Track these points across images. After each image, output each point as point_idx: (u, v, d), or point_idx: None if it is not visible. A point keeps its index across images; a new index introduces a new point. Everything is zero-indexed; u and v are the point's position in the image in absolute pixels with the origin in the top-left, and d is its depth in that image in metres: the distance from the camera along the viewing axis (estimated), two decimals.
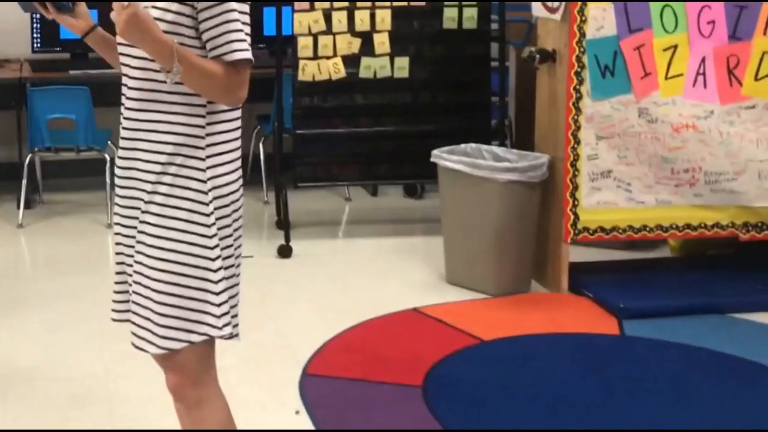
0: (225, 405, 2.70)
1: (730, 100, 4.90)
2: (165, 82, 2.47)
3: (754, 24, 4.88)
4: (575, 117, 4.82)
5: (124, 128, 2.60)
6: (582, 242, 4.94)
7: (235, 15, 2.49)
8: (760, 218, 4.98)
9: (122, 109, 2.61)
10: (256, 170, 6.69)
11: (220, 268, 2.54)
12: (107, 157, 6.03)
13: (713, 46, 4.87)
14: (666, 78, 4.86)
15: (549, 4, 4.94)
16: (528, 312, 4.70)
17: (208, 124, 2.55)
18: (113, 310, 2.72)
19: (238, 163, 2.63)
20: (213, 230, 2.53)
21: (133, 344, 2.61)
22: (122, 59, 2.59)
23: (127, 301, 2.65)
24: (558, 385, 3.93)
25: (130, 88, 2.57)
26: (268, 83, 6.05)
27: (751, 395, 3.87)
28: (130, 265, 2.61)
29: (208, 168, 2.54)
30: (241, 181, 2.64)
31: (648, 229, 4.92)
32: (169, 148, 2.52)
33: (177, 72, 2.41)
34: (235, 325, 2.63)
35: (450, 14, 5.92)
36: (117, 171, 2.63)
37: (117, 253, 2.68)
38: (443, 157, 5.05)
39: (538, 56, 5.02)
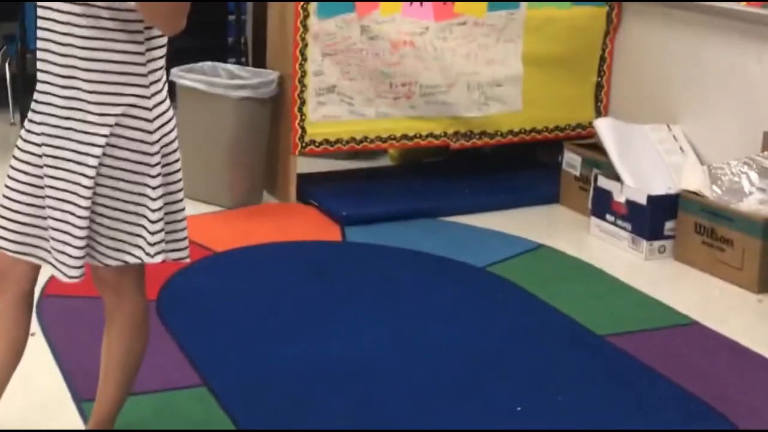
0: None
1: (444, 17, 5.06)
2: (103, 17, 2.40)
3: None
4: (302, 35, 4.88)
5: (55, 63, 2.48)
6: (309, 154, 5.04)
7: None
8: (468, 127, 5.20)
9: (46, 45, 2.49)
10: (3, 91, 6.47)
11: (158, 197, 2.54)
12: None
13: None
14: None
15: None
16: (259, 222, 4.79)
17: (147, 50, 2.48)
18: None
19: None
20: (156, 158, 2.51)
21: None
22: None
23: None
24: (285, 290, 4.04)
25: (61, 22, 2.45)
26: (15, 2, 5.83)
27: (454, 290, 4.11)
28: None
29: (155, 105, 2.50)
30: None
31: (369, 140, 5.07)
32: (116, 87, 2.46)
33: None
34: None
35: None
36: (50, 108, 2.52)
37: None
38: (181, 76, 5.03)
39: None
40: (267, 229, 4.69)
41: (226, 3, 6.01)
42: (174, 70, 5.06)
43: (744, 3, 4.60)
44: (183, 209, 2.68)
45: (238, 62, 5.87)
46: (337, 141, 5.03)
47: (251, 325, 3.75)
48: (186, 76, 5.00)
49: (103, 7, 2.43)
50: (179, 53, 5.65)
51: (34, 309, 3.74)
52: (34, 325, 3.68)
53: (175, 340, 3.59)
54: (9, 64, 6.37)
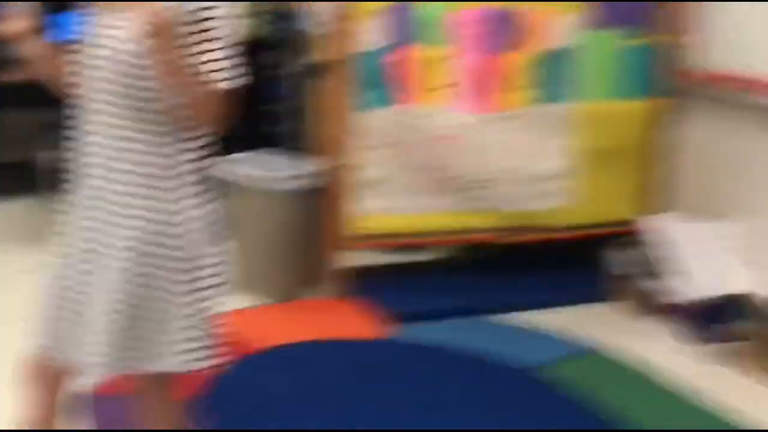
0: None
1: (488, 110, 5.02)
2: (143, 112, 2.40)
3: (510, 38, 5.00)
4: (346, 128, 4.84)
5: (89, 155, 2.49)
6: (358, 248, 4.97)
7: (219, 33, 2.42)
8: (515, 222, 5.14)
9: (84, 139, 2.50)
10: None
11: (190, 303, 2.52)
12: None
13: (473, 59, 4.97)
14: (429, 90, 4.93)
15: (322, 17, 4.95)
16: (306, 318, 4.72)
17: (180, 150, 2.49)
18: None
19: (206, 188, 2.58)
20: (185, 264, 2.50)
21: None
22: (91, 83, 2.46)
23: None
24: (331, 390, 3.96)
25: (105, 123, 2.46)
26: None
27: (503, 393, 4.01)
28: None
29: (179, 199, 2.49)
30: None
31: (416, 234, 5.02)
32: (143, 179, 2.45)
33: (179, 77, 2.32)
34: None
35: None
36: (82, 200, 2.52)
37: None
38: (228, 166, 4.98)
39: (311, 68, 5.04)
40: (314, 325, 4.62)
41: (277, 92, 5.97)
42: (221, 160, 5.00)
43: None
44: (217, 313, 2.62)
45: (288, 152, 5.83)
46: (386, 235, 4.97)
47: (294, 426, 3.67)
48: (233, 166, 4.97)
49: (138, 98, 2.42)
50: (228, 142, 5.62)
51: (85, 409, 3.69)
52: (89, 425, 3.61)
53: None
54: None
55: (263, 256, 4.89)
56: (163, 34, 2.27)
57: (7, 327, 3.18)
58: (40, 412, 2.71)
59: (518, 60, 5.04)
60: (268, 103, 6.01)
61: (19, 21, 2.52)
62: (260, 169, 5.01)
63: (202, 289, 2.57)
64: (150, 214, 2.47)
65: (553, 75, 5.10)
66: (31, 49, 2.58)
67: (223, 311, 2.66)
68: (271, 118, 6.04)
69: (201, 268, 2.55)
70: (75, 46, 2.50)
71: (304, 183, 4.87)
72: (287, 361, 4.26)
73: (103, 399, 3.80)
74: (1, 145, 6.67)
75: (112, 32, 2.43)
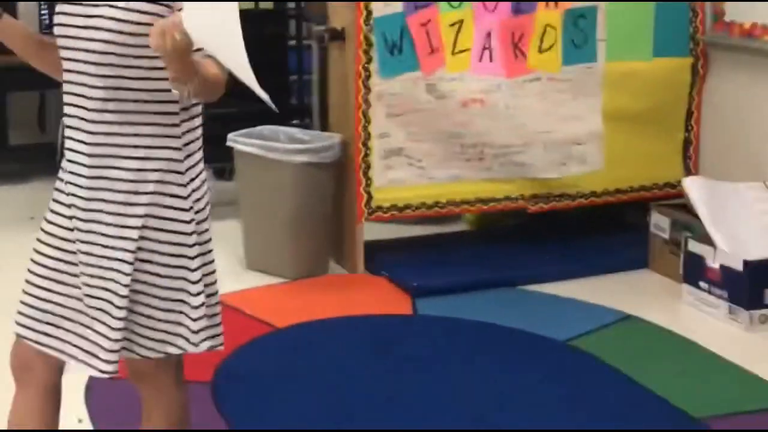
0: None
1: (516, 73, 4.80)
2: (134, 89, 2.26)
3: None
4: (365, 96, 4.65)
5: (83, 141, 2.31)
6: (377, 221, 4.78)
7: None
8: (547, 189, 4.91)
9: (72, 121, 2.33)
10: None
11: (198, 281, 2.37)
12: None
13: (498, 20, 4.76)
14: (453, 53, 4.72)
15: None
16: (324, 295, 4.54)
17: (183, 121, 2.33)
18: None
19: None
20: (194, 238, 2.35)
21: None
22: (75, 62, 2.29)
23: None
24: (348, 370, 3.78)
25: (90, 98, 2.29)
26: None
27: (535, 368, 3.81)
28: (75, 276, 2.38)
29: (189, 181, 2.34)
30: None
31: (440, 204, 4.80)
32: (146, 163, 2.30)
33: (191, 88, 2.13)
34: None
35: None
36: (76, 189, 2.35)
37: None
38: (238, 141, 4.83)
39: (326, 35, 4.86)
40: (333, 302, 4.43)
41: (287, 65, 5.83)
42: (231, 135, 4.86)
43: None
44: (217, 291, 2.49)
45: (302, 125, 5.66)
46: (407, 206, 4.76)
47: (312, 409, 3.48)
48: (243, 141, 4.79)
49: (130, 85, 2.28)
50: (241, 117, 5.50)
51: (83, 393, 3.56)
52: (83, 412, 3.46)
53: (230, 425, 3.35)
54: None
55: (276, 231, 4.70)
56: (173, 47, 2.06)
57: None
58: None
59: (547, 19, 4.81)
60: (283, 74, 5.85)
61: None
62: (271, 141, 4.82)
63: (209, 266, 2.45)
64: (159, 198, 2.32)
65: (584, 34, 4.87)
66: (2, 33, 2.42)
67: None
68: (288, 89, 5.88)
69: (208, 247, 2.43)
70: (62, 30, 2.33)
71: (318, 155, 4.67)
72: (299, 341, 4.08)
73: (101, 386, 3.65)
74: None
75: (104, 11, 2.26)
